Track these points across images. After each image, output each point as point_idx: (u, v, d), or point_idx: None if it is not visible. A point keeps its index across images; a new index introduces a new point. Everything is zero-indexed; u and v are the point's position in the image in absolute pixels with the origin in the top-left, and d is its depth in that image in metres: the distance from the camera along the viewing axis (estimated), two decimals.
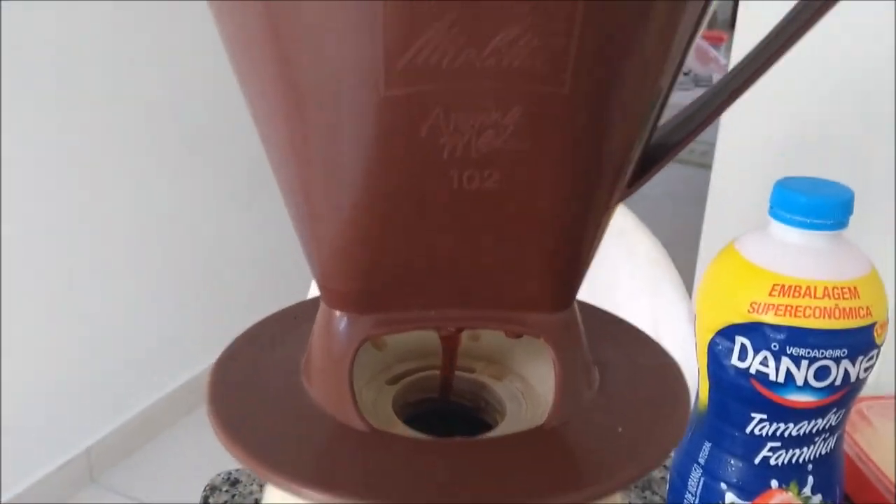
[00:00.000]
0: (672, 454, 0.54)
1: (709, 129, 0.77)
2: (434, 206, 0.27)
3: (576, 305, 0.31)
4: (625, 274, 0.61)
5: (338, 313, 0.30)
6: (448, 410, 0.34)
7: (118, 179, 1.66)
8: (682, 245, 0.83)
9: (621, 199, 0.29)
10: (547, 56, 0.24)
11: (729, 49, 1.96)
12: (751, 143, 0.81)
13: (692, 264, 0.80)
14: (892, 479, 0.51)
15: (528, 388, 0.33)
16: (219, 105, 1.77)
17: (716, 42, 2.70)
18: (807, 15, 0.28)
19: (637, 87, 0.26)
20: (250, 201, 1.97)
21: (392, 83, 0.24)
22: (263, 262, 2.06)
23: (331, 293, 0.30)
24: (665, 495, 0.56)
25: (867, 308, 0.47)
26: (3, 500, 1.54)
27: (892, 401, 0.57)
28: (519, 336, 0.32)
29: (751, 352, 0.48)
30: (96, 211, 1.63)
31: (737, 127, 0.82)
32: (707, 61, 2.54)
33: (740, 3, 0.78)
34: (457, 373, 0.34)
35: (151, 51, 1.67)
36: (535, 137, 0.25)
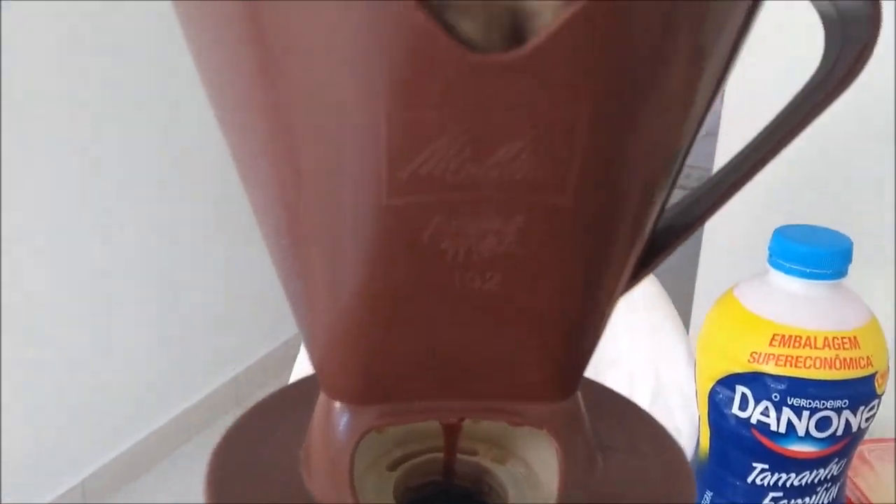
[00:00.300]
0: None
1: (705, 157, 0.76)
2: (435, 305, 0.27)
3: (579, 393, 0.30)
4: (623, 313, 0.61)
5: (338, 405, 0.30)
6: (450, 494, 0.34)
7: (113, 219, 1.65)
8: (680, 274, 0.83)
9: (625, 293, 0.29)
10: (549, 169, 0.24)
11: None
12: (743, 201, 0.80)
13: (689, 297, 0.80)
14: None
15: (531, 473, 0.33)
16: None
17: None
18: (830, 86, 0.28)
19: (641, 193, 0.26)
20: (248, 240, 1.95)
21: (394, 193, 0.24)
22: (263, 297, 2.04)
23: (331, 385, 0.30)
24: None
25: (868, 358, 0.47)
26: None
27: (893, 444, 0.57)
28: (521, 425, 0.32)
29: (752, 401, 0.48)
30: (93, 245, 1.61)
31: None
32: None
33: None
34: (459, 456, 0.34)
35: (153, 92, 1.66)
36: (537, 243, 0.25)
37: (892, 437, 0.57)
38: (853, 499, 0.53)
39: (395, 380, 0.29)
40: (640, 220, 0.27)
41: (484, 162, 0.23)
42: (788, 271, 0.48)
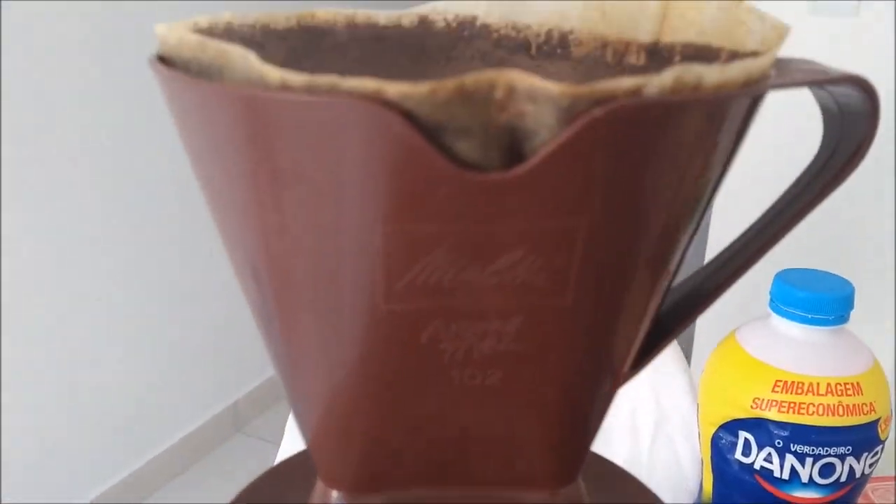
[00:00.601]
0: None
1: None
2: (434, 399, 0.27)
3: (580, 479, 0.30)
4: None
5: (335, 493, 0.30)
6: None
7: (108, 248, 1.63)
8: None
9: (626, 382, 0.29)
10: (549, 273, 0.23)
11: None
12: (746, 203, 0.80)
13: (690, 330, 0.80)
14: None
15: None
16: None
17: None
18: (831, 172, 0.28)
19: (641, 290, 0.25)
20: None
21: (391, 299, 0.24)
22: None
23: (327, 472, 0.30)
24: None
25: (871, 404, 0.46)
26: None
27: (893, 483, 0.56)
28: None
29: (755, 447, 0.47)
30: (91, 272, 1.60)
31: (731, 192, 0.81)
32: None
33: None
34: None
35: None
36: (537, 341, 0.25)
37: (894, 474, 0.57)
38: None
39: (394, 469, 0.29)
40: (640, 314, 0.26)
41: (482, 270, 0.23)
42: (790, 317, 0.48)
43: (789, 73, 0.24)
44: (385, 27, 0.31)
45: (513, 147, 0.21)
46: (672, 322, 0.29)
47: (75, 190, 1.53)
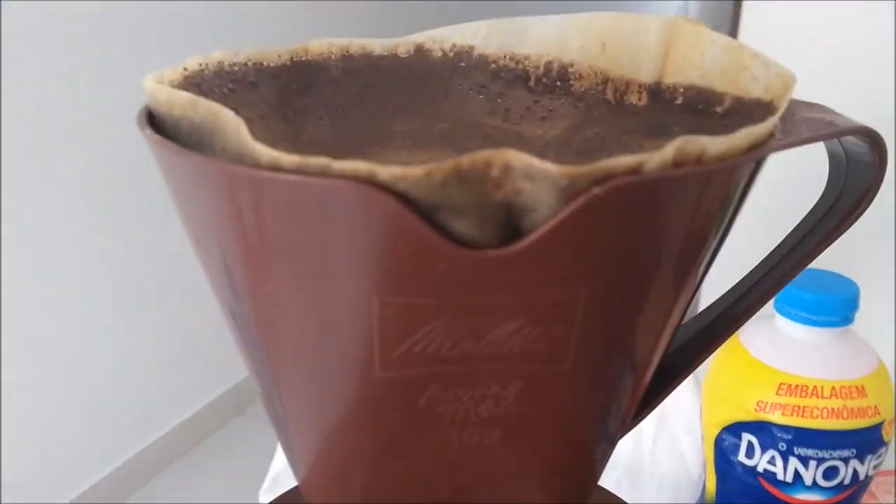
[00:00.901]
0: None
1: None
2: (431, 458, 0.26)
3: None
4: None
5: None
6: None
7: (116, 226, 1.62)
8: None
9: (629, 431, 0.28)
10: (548, 342, 0.23)
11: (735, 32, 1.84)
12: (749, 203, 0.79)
13: None
14: None
15: None
16: None
17: None
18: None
19: (643, 347, 0.25)
20: None
21: (388, 367, 0.23)
22: None
23: None
24: None
25: (875, 407, 0.46)
26: None
27: (894, 476, 0.56)
28: None
29: (758, 450, 0.47)
30: (94, 251, 1.59)
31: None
32: None
33: (743, 3, 0.75)
34: None
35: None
36: (536, 404, 0.25)
37: (892, 469, 0.57)
38: None
39: None
40: (642, 370, 0.26)
41: (480, 340, 0.22)
42: (794, 318, 0.47)
43: (795, 128, 0.24)
44: (381, 57, 0.30)
45: (510, 222, 0.21)
46: (672, 370, 0.28)
47: (82, 169, 1.52)
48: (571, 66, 0.29)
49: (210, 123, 0.22)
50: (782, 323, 0.48)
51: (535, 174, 0.20)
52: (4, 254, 1.41)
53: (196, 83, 0.27)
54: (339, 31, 2.06)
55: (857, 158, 0.26)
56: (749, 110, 0.25)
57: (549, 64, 0.29)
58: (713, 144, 0.21)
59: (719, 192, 0.22)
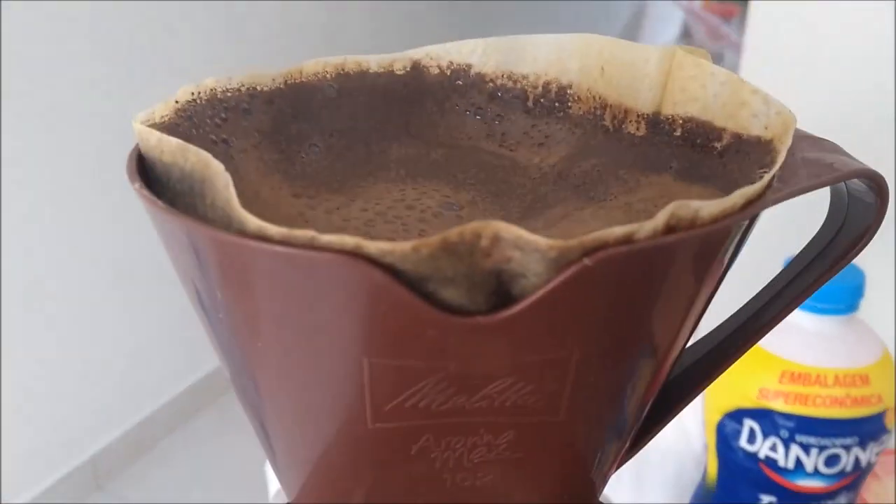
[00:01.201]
0: None
1: None
2: (425, 498, 0.26)
3: None
4: None
5: None
6: None
7: (121, 206, 1.61)
8: None
9: (623, 463, 0.28)
10: (540, 396, 0.23)
11: (742, 23, 1.74)
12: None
13: None
14: None
15: None
16: None
17: (727, 16, 2.35)
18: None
19: (637, 393, 0.25)
20: None
21: (379, 420, 0.23)
22: None
23: None
24: None
25: (878, 395, 0.46)
26: None
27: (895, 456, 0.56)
28: None
29: (760, 436, 0.47)
30: (99, 229, 1.58)
31: None
32: (718, 38, 2.28)
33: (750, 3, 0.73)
34: None
35: None
36: (529, 450, 0.24)
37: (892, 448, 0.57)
38: None
39: None
40: (635, 413, 0.26)
41: (472, 396, 0.22)
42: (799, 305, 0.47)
43: (794, 174, 0.23)
44: (377, 75, 0.30)
45: (500, 288, 0.20)
46: (666, 405, 0.28)
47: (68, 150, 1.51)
48: (570, 87, 0.28)
49: (200, 172, 0.22)
50: None
51: (524, 245, 0.19)
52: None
53: (188, 116, 0.26)
54: (344, 45, 2.04)
55: (858, 196, 0.26)
56: (748, 148, 0.24)
57: (547, 84, 0.29)
58: (707, 207, 0.20)
59: (713, 252, 0.22)
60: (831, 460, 0.46)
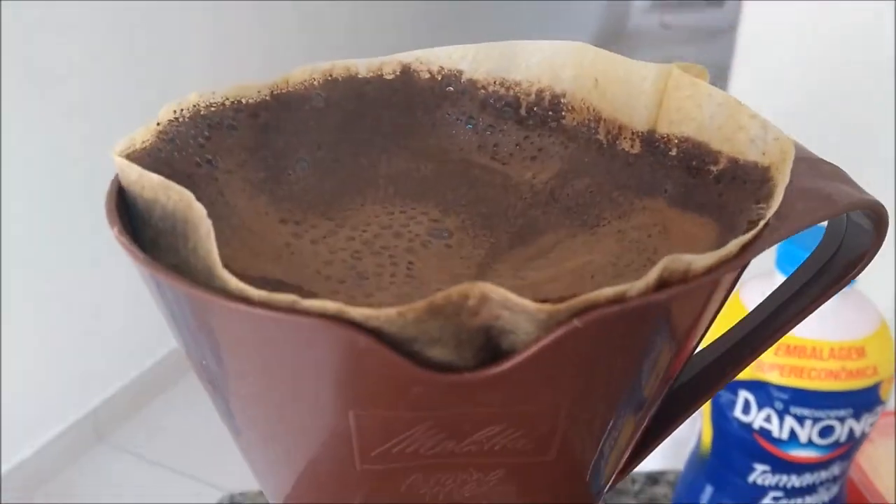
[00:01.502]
0: (674, 487, 0.55)
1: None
2: None
3: None
4: None
5: None
6: None
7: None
8: None
9: (619, 482, 0.28)
10: (529, 440, 0.22)
11: None
12: None
13: None
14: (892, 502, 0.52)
15: None
16: None
17: None
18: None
19: (628, 428, 0.24)
20: None
21: (367, 462, 0.23)
22: None
23: None
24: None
25: (874, 367, 0.46)
26: (15, 462, 1.54)
27: (894, 418, 0.57)
28: None
29: (754, 407, 0.48)
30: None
31: None
32: None
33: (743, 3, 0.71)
34: None
35: None
36: (520, 485, 0.24)
37: (893, 410, 0.57)
38: (853, 475, 0.54)
39: None
40: (628, 442, 0.26)
41: (461, 441, 0.22)
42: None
43: (790, 209, 0.22)
44: (366, 81, 0.29)
45: (488, 343, 0.20)
46: (657, 428, 0.28)
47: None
48: (564, 96, 0.28)
49: (182, 212, 0.21)
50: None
51: (512, 306, 0.19)
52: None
53: (170, 138, 0.25)
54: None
55: (856, 221, 0.25)
56: (744, 175, 0.24)
57: (540, 92, 0.28)
58: (700, 261, 0.20)
59: (706, 301, 0.21)
60: (825, 431, 0.47)
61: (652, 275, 0.19)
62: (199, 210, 0.21)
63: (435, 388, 0.20)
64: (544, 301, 0.19)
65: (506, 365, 0.20)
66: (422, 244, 0.26)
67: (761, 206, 0.23)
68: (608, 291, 0.19)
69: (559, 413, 0.21)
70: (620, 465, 0.27)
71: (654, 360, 0.22)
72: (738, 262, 0.20)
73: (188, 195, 0.21)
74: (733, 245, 0.20)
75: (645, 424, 0.25)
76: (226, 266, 0.20)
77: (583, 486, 0.26)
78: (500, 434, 0.22)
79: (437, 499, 0.24)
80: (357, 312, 0.18)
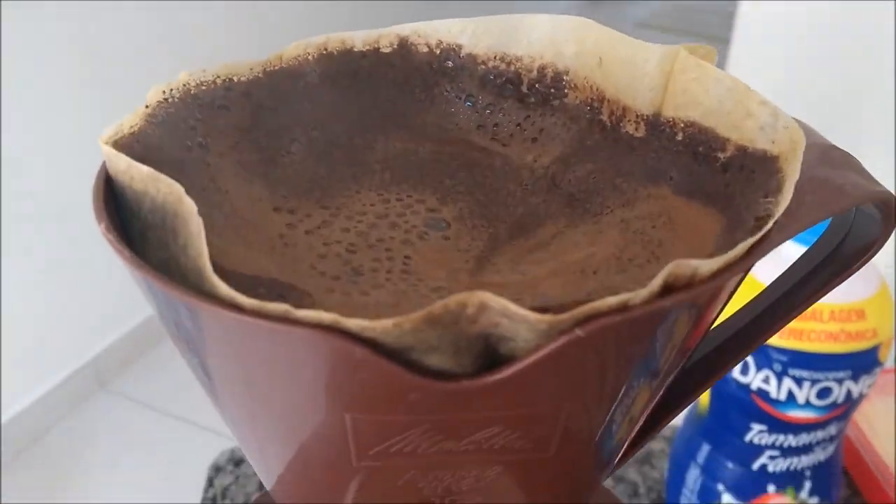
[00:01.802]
0: (672, 443, 0.55)
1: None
2: None
3: None
4: None
5: None
6: None
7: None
8: None
9: (618, 469, 0.28)
10: (528, 440, 0.22)
11: None
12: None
13: None
14: (890, 463, 0.52)
15: None
16: None
17: None
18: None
19: (628, 425, 0.24)
20: None
21: (364, 460, 0.22)
22: None
23: None
24: (664, 470, 0.57)
25: (873, 330, 0.46)
26: (17, 410, 1.53)
27: (893, 375, 0.57)
28: None
29: (753, 368, 0.47)
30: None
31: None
32: None
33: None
34: None
35: None
36: (517, 479, 0.24)
37: (892, 367, 0.57)
38: (850, 434, 0.54)
39: None
40: (626, 436, 0.25)
41: (459, 441, 0.22)
42: (796, 238, 0.46)
43: (800, 203, 0.22)
44: (362, 55, 0.28)
45: (487, 350, 0.19)
46: (655, 419, 0.28)
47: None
48: (566, 73, 0.27)
49: (173, 206, 0.21)
50: (785, 244, 0.47)
51: (512, 315, 0.18)
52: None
53: (159, 121, 0.25)
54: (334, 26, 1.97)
55: (865, 210, 0.24)
56: (753, 165, 0.23)
57: (542, 68, 0.27)
58: (707, 265, 0.19)
59: (712, 303, 0.21)
60: (823, 393, 0.47)
61: (656, 282, 0.18)
62: (190, 205, 0.20)
63: (433, 396, 0.20)
64: (545, 309, 0.18)
65: (505, 372, 0.19)
66: (419, 236, 0.25)
67: (769, 200, 0.22)
68: (611, 301, 0.18)
69: (559, 416, 0.21)
70: (621, 453, 0.27)
71: (657, 362, 0.21)
72: (744, 265, 0.20)
73: (178, 188, 0.20)
74: (740, 248, 0.19)
75: (647, 413, 0.25)
76: (218, 261, 0.20)
77: (582, 476, 0.25)
78: (499, 435, 0.21)
79: (435, 492, 0.24)
80: (353, 323, 0.18)
